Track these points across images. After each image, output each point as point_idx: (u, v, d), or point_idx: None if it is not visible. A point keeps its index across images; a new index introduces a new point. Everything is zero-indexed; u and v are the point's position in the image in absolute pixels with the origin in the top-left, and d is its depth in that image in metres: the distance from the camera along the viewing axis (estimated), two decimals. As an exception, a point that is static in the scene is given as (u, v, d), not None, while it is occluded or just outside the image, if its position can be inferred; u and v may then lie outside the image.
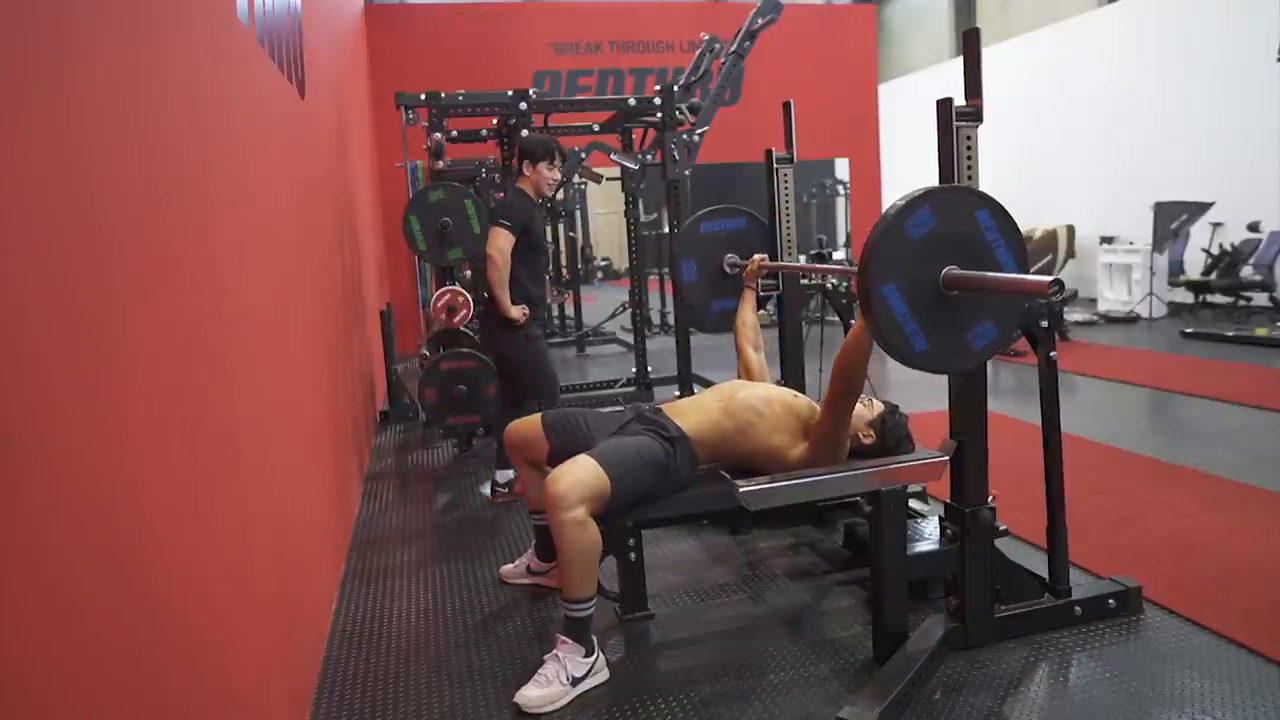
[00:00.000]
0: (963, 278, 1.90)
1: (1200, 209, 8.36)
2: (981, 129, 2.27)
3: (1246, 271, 8.09)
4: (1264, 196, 8.23)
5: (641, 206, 5.77)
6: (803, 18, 9.93)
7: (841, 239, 12.41)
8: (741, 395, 2.57)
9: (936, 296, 1.93)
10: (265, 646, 1.77)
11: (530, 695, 2.15)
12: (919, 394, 3.31)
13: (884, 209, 1.96)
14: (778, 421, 2.51)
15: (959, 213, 1.95)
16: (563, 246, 10.11)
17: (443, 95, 4.73)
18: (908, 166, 8.89)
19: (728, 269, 3.34)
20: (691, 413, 2.58)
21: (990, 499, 2.33)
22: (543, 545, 2.84)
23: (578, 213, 11.36)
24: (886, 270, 1.89)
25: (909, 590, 2.34)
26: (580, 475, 2.24)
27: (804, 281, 3.45)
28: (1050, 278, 1.74)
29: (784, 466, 2.45)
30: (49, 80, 0.96)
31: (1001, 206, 2.00)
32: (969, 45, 2.27)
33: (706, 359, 5.52)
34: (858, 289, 1.94)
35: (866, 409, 2.57)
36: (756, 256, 3.20)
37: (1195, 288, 8.50)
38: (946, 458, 2.32)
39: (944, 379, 2.33)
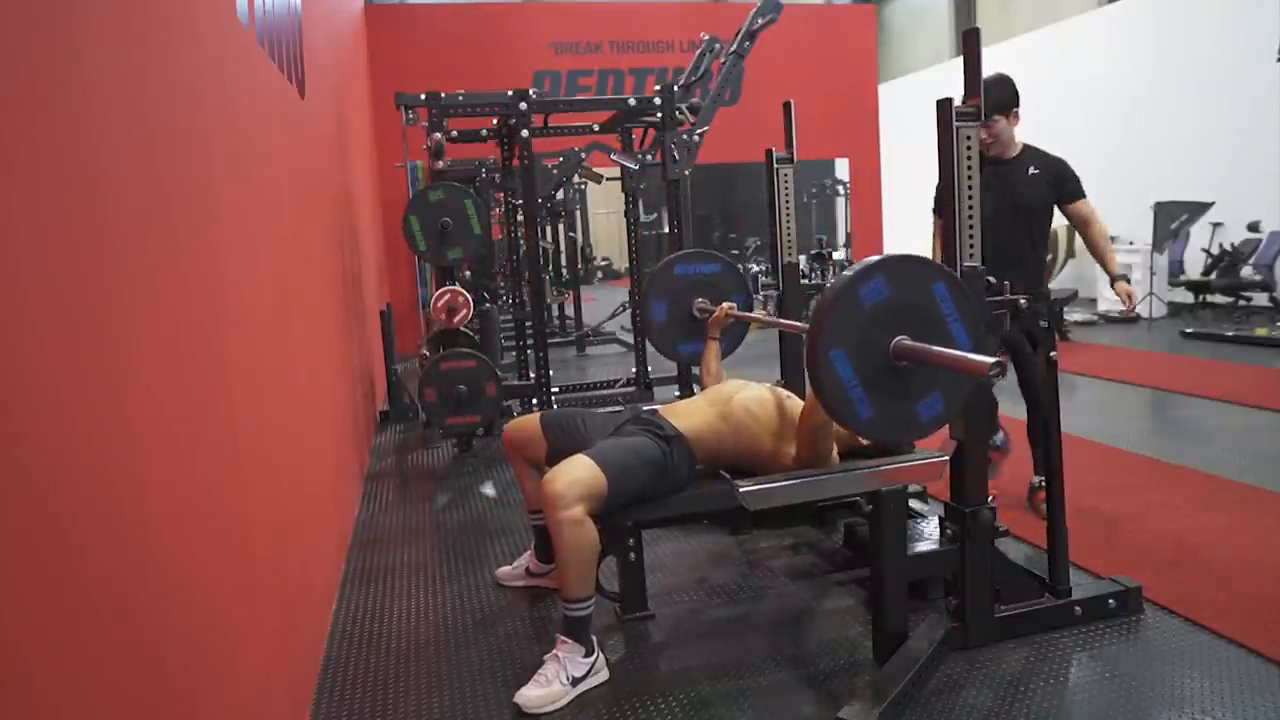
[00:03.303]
0: (910, 349, 1.90)
1: (1200, 209, 8.36)
2: (981, 129, 2.27)
3: (1246, 271, 8.09)
4: (1264, 196, 8.23)
5: (641, 206, 5.77)
6: (803, 18, 9.93)
7: (841, 239, 12.41)
8: (738, 398, 2.57)
9: (886, 366, 1.92)
10: (266, 645, 1.77)
11: (530, 695, 2.15)
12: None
13: (840, 274, 1.97)
14: (772, 424, 2.51)
15: (915, 283, 1.94)
16: (563, 246, 10.12)
17: (443, 95, 4.72)
18: (908, 166, 8.89)
19: (697, 313, 3.30)
20: (688, 414, 2.59)
21: (990, 499, 2.34)
22: (542, 546, 2.84)
23: (578, 213, 11.37)
24: (836, 335, 1.89)
25: (909, 590, 2.34)
26: (577, 474, 2.24)
27: (804, 281, 3.44)
28: (992, 359, 1.74)
29: (779, 468, 2.45)
30: (64, 81, 0.96)
31: (958, 280, 2.00)
32: (969, 45, 2.27)
33: (706, 359, 5.51)
34: (806, 351, 1.93)
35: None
36: (724, 304, 3.12)
37: (1195, 288, 8.50)
38: (946, 458, 2.33)
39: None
